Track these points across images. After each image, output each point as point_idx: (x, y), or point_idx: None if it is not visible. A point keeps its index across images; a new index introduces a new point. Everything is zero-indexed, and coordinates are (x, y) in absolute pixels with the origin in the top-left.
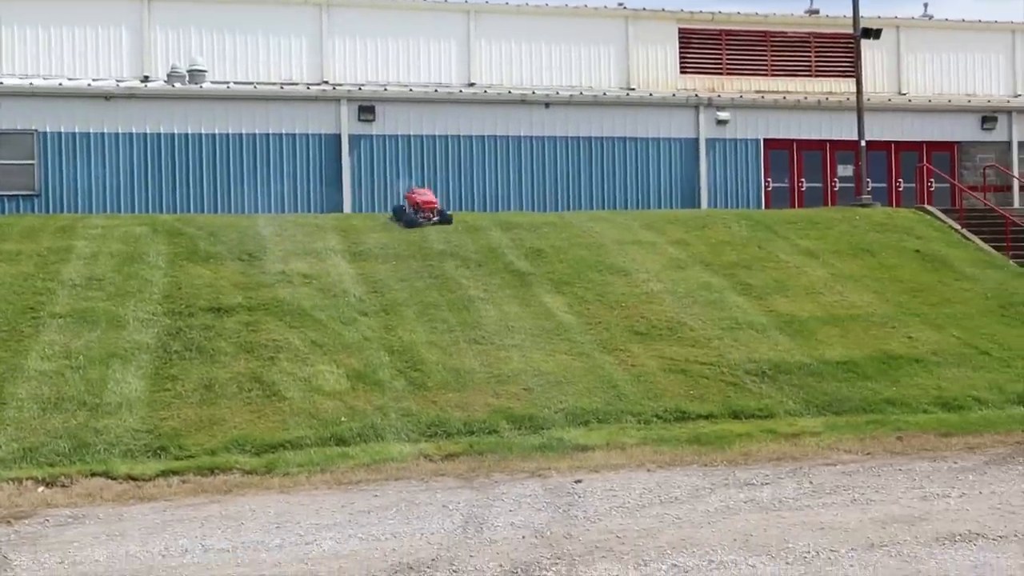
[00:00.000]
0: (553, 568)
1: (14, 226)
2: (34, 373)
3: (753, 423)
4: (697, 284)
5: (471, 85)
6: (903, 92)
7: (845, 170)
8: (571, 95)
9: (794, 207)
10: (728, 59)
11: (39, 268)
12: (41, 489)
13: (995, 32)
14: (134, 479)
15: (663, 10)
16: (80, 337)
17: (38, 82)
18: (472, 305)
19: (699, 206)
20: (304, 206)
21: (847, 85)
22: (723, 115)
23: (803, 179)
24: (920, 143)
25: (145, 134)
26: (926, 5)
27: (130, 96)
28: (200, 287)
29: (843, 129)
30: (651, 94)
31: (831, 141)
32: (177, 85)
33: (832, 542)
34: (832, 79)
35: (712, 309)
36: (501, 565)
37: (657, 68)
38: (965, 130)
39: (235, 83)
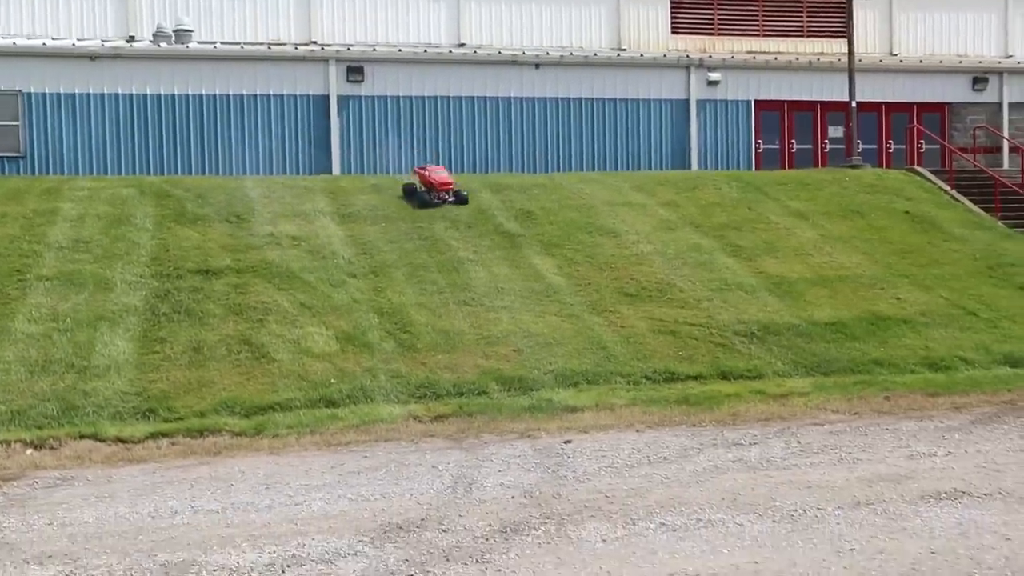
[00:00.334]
0: (542, 527)
1: None
2: (21, 336)
3: (742, 384)
4: (687, 245)
5: (461, 46)
6: (894, 53)
7: (836, 131)
8: (561, 56)
9: (784, 168)
10: (719, 19)
11: (25, 230)
12: (29, 451)
13: None
14: (123, 441)
15: None
16: (67, 300)
17: (22, 42)
18: (461, 267)
19: (689, 167)
20: (292, 168)
21: (839, 46)
22: (714, 76)
23: (794, 140)
24: (911, 104)
25: (131, 95)
26: None
27: (115, 56)
28: (188, 249)
29: (834, 90)
30: (642, 55)
31: (822, 102)
32: (163, 45)
33: (819, 500)
34: (824, 39)
35: (702, 270)
36: (490, 524)
37: (648, 28)
38: (956, 91)
39: (222, 43)
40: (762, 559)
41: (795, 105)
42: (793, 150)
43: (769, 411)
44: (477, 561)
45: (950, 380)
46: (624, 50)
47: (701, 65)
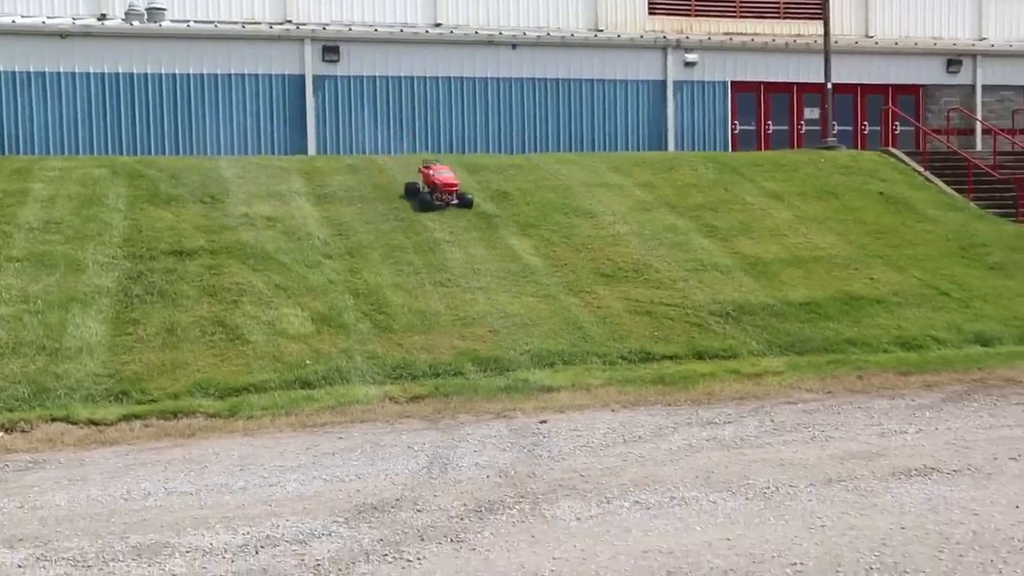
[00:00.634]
0: (517, 506)
1: None
2: None
3: (717, 363)
4: (663, 226)
5: (437, 26)
6: (870, 35)
7: (812, 113)
8: (538, 36)
9: (761, 150)
10: (697, 0)
11: None
12: (0, 434)
13: None
14: (95, 424)
15: None
16: (38, 281)
17: None
18: (438, 247)
19: (666, 148)
20: (268, 148)
21: (815, 27)
22: (691, 57)
23: (770, 122)
24: (886, 86)
25: (103, 74)
26: None
27: (86, 34)
28: (161, 230)
29: (810, 72)
30: (619, 35)
31: (798, 84)
32: (135, 23)
33: (792, 478)
34: (800, 21)
35: (678, 251)
36: (465, 504)
37: (625, 9)
38: (930, 73)
39: (195, 22)
40: (735, 536)
41: (771, 86)
42: (769, 131)
43: (743, 390)
44: (452, 540)
45: (922, 359)
46: (601, 31)
47: (678, 46)
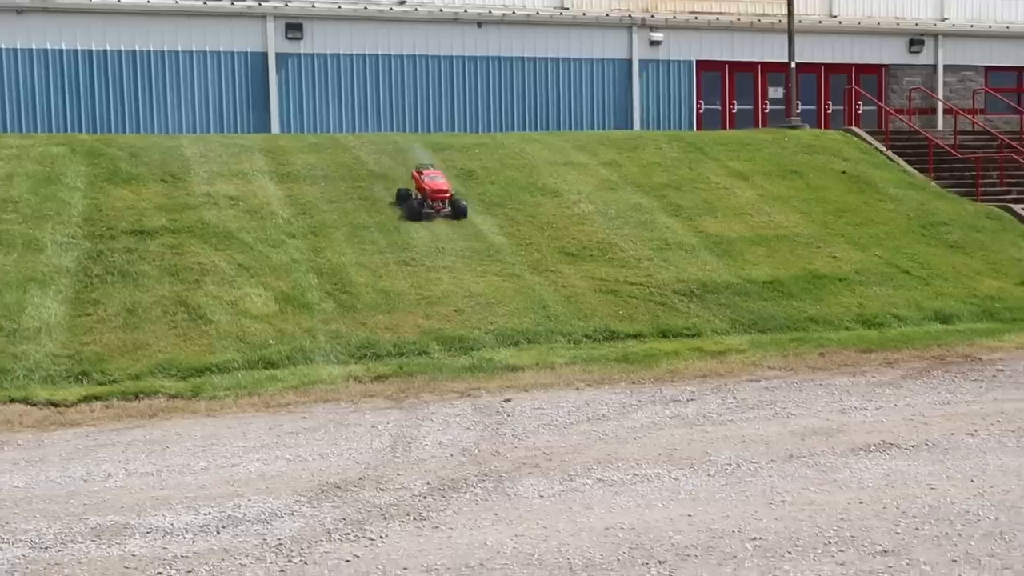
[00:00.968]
0: (480, 484)
1: None
2: None
3: (681, 342)
4: (628, 205)
5: (402, 3)
6: (834, 14)
7: (776, 92)
8: (504, 14)
9: (726, 129)
10: None
11: None
12: None
13: None
14: (55, 405)
15: None
16: None
17: None
18: (402, 226)
19: (631, 127)
20: (231, 126)
21: (779, 7)
22: (656, 36)
23: (735, 101)
24: (849, 65)
25: (61, 50)
26: None
27: (44, 10)
28: (122, 209)
29: (775, 51)
30: (584, 14)
31: (763, 63)
32: None
33: (753, 454)
34: (765, 0)
35: (642, 230)
36: (428, 483)
37: None
38: (893, 53)
39: None
40: (696, 512)
41: (736, 66)
42: (734, 111)
43: (707, 368)
44: (415, 519)
45: (883, 336)
46: (567, 9)
47: (643, 25)
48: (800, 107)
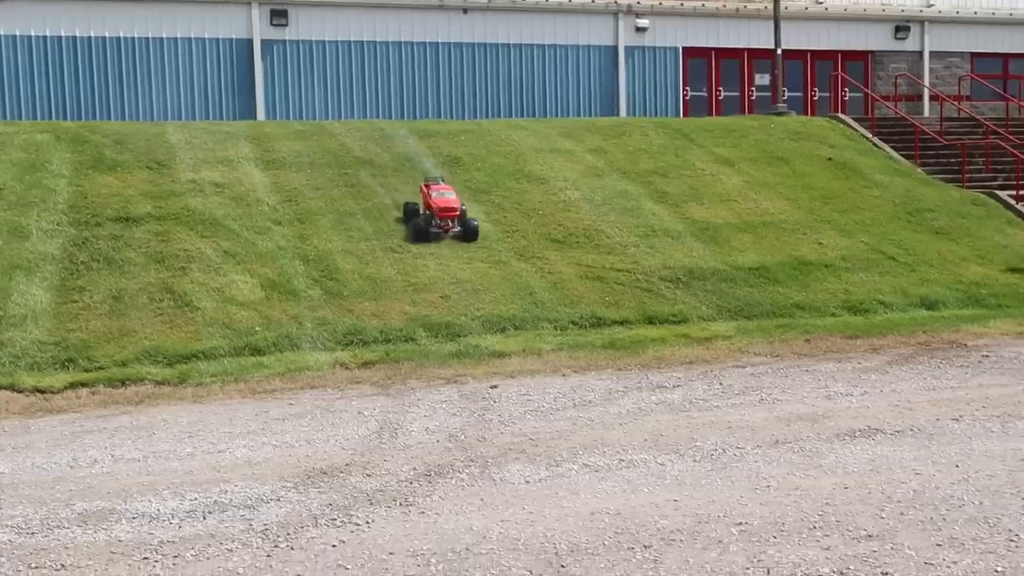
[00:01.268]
0: (466, 470)
1: None
2: None
3: (667, 328)
4: (614, 192)
5: None
6: (820, 1)
7: (762, 79)
8: (489, 1)
9: (712, 115)
10: None
11: None
12: None
13: None
14: (41, 392)
15: None
16: None
17: None
18: (389, 214)
19: (618, 114)
20: (216, 113)
21: None
22: (642, 22)
23: (721, 88)
24: (835, 52)
25: (45, 37)
26: None
27: None
28: (107, 196)
29: (761, 37)
30: (570, 0)
31: (749, 50)
32: None
33: (739, 440)
34: None
35: (628, 216)
36: (415, 468)
37: None
38: (879, 40)
39: None
40: (681, 497)
41: (723, 52)
42: (720, 97)
43: (693, 354)
44: (401, 504)
45: (869, 323)
46: None
47: (629, 11)
48: (786, 94)
